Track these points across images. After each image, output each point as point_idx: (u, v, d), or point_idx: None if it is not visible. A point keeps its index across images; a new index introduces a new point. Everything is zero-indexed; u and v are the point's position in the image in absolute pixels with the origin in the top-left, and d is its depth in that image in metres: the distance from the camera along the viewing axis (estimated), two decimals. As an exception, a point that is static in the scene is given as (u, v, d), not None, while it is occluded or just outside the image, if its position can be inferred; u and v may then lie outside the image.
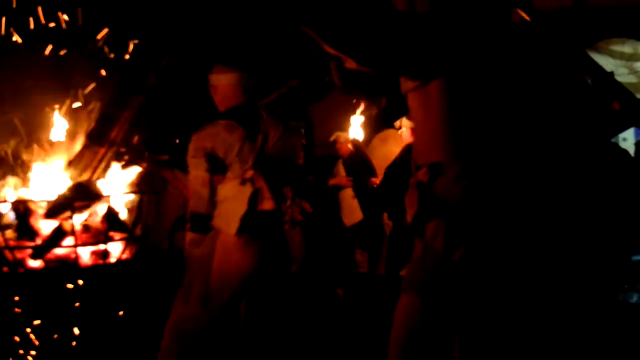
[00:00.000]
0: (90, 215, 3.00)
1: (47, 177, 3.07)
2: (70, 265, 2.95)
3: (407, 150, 4.52)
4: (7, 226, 3.02)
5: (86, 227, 2.97)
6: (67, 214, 2.88)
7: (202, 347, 2.49)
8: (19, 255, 2.92)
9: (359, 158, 5.74)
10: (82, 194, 2.95)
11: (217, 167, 2.40)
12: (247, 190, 2.45)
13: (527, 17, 1.94)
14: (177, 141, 3.82)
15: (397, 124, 5.45)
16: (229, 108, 2.54)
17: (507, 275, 1.80)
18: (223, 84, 2.59)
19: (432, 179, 1.78)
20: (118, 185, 3.20)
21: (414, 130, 1.97)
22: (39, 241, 2.90)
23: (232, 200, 2.45)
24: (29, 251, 2.92)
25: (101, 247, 2.99)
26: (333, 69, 2.01)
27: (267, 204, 2.46)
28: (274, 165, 2.54)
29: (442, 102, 1.78)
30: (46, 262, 2.91)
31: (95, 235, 2.98)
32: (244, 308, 2.64)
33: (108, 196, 3.09)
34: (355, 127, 6.52)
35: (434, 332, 1.79)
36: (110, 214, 3.03)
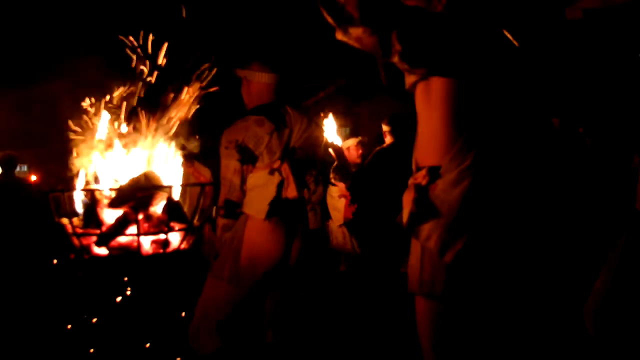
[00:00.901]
0: (152, 205, 3.09)
1: (113, 168, 3.19)
2: (132, 253, 3.06)
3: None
4: (75, 214, 3.16)
5: (148, 217, 3.06)
6: (131, 203, 2.98)
7: (231, 324, 2.65)
8: (85, 242, 3.05)
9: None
10: (145, 185, 3.04)
11: (247, 158, 2.62)
12: (275, 179, 2.67)
13: (514, 42, 1.93)
14: (198, 137, 4.02)
15: (344, 144, 5.70)
16: (259, 105, 2.73)
17: (503, 276, 1.82)
18: (260, 81, 2.77)
19: (430, 181, 1.81)
20: (178, 176, 3.29)
21: (416, 131, 1.93)
22: (104, 229, 3.01)
23: (262, 188, 2.67)
24: (94, 238, 3.05)
25: (161, 236, 3.07)
26: (380, 68, 2.09)
27: (292, 192, 2.68)
28: (299, 157, 2.74)
29: (444, 104, 1.80)
30: (110, 249, 3.02)
31: (156, 224, 3.07)
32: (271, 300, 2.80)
33: (169, 187, 3.18)
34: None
35: (459, 330, 1.81)
36: (171, 205, 3.12)
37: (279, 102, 2.76)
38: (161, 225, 3.07)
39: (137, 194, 2.98)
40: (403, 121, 5.05)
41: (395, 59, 1.81)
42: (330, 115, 5.81)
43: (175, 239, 3.14)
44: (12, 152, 6.98)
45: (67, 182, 3.30)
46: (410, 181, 1.92)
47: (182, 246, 3.16)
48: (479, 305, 1.83)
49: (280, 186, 2.67)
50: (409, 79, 1.91)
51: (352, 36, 1.80)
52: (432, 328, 1.83)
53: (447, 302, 1.81)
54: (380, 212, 4.95)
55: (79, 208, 3.24)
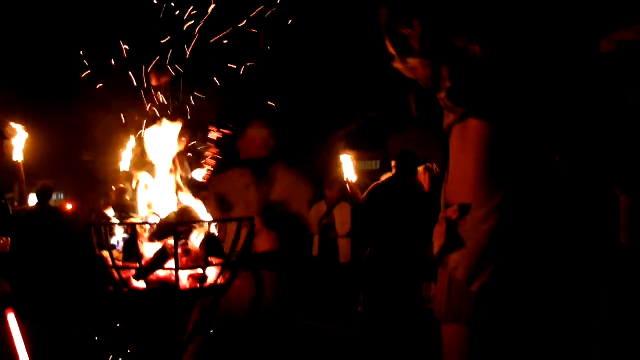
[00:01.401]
0: (190, 239, 3.10)
1: (153, 201, 3.22)
2: (169, 287, 3.06)
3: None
4: (115, 247, 3.19)
5: (186, 251, 3.07)
6: (170, 237, 3.00)
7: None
8: (124, 275, 3.07)
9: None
10: (185, 219, 3.07)
11: (225, 207, 2.74)
12: (245, 230, 2.86)
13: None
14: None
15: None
16: (251, 158, 2.84)
17: (526, 304, 1.96)
18: (254, 136, 2.87)
19: (460, 217, 1.99)
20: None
21: (449, 168, 2.13)
22: (143, 263, 3.03)
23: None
24: (134, 272, 3.07)
25: (199, 271, 3.08)
26: (411, 101, 2.28)
27: (266, 244, 2.85)
28: (278, 211, 2.84)
29: (478, 147, 1.96)
30: (148, 283, 3.03)
31: (194, 259, 3.08)
32: None
33: (208, 221, 3.19)
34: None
35: (484, 355, 1.96)
36: (210, 239, 3.13)
37: (271, 156, 2.86)
38: (199, 259, 3.08)
39: (177, 228, 3.00)
40: (409, 159, 5.11)
41: (443, 95, 1.97)
42: (347, 154, 5.88)
43: (212, 273, 3.14)
44: (48, 182, 7.18)
45: (102, 212, 3.37)
46: (441, 216, 2.09)
47: (219, 281, 3.16)
48: (504, 331, 1.97)
49: (250, 237, 2.77)
50: (448, 120, 2.07)
51: (409, 65, 2.00)
52: (458, 353, 1.96)
53: (473, 328, 1.95)
54: (381, 247, 4.95)
55: (117, 240, 3.28)
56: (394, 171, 5.30)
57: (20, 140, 4.34)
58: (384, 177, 5.44)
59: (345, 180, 5.86)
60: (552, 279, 2.02)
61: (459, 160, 2.03)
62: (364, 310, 5.51)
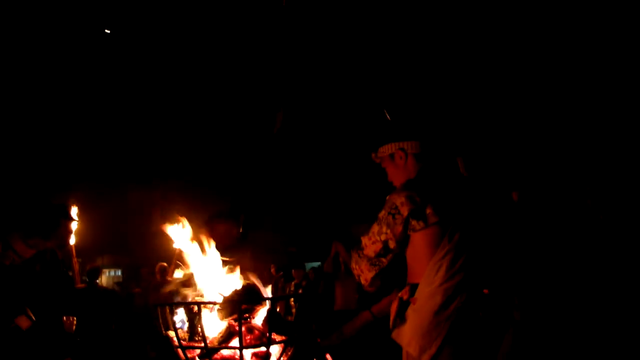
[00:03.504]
0: (254, 317, 3.13)
1: (218, 281, 3.30)
2: (233, 366, 3.06)
3: None
4: (181, 326, 3.25)
5: (250, 329, 3.10)
6: (235, 316, 3.04)
7: None
8: (189, 354, 3.10)
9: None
10: (250, 297, 3.11)
11: None
12: None
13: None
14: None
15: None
16: None
17: None
18: None
19: (411, 295, 2.42)
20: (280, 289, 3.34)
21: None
22: (207, 342, 3.06)
23: None
24: (198, 351, 3.10)
25: (263, 349, 3.08)
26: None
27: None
28: None
29: (423, 243, 2.43)
30: (213, 362, 3.05)
31: (258, 337, 3.09)
32: None
33: (272, 299, 3.23)
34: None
35: None
36: (272, 316, 3.15)
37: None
38: (262, 337, 3.09)
39: (241, 306, 3.04)
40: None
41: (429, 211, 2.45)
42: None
43: (275, 351, 3.14)
44: (97, 264, 7.59)
45: (159, 291, 3.46)
46: (397, 294, 2.48)
47: (282, 358, 3.14)
48: None
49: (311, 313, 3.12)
50: (418, 226, 2.45)
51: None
52: None
53: None
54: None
55: (181, 319, 3.34)
56: None
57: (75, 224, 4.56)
58: None
59: None
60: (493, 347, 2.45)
61: (413, 253, 2.47)
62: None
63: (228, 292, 3.20)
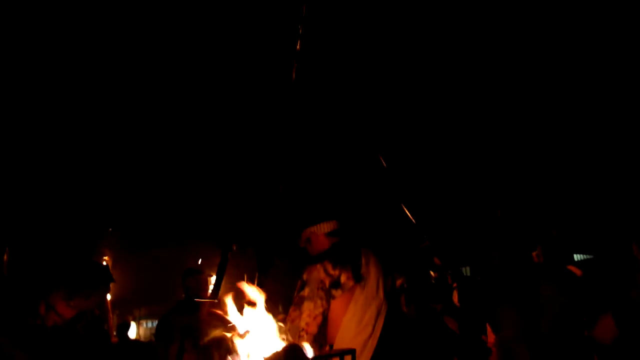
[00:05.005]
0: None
1: (260, 340, 3.24)
2: None
3: None
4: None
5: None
6: (277, 376, 2.97)
7: None
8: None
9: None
10: (292, 356, 3.04)
11: None
12: None
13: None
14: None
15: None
16: None
17: None
18: None
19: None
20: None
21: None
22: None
23: None
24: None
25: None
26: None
27: None
28: None
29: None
30: None
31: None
32: None
33: (312, 358, 3.15)
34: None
35: None
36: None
37: None
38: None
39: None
40: None
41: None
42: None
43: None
44: (128, 319, 7.67)
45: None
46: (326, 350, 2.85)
47: (327, 421, 3.04)
48: None
49: None
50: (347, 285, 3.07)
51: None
52: None
53: None
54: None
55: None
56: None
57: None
58: None
59: None
60: None
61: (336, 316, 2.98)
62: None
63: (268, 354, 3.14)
